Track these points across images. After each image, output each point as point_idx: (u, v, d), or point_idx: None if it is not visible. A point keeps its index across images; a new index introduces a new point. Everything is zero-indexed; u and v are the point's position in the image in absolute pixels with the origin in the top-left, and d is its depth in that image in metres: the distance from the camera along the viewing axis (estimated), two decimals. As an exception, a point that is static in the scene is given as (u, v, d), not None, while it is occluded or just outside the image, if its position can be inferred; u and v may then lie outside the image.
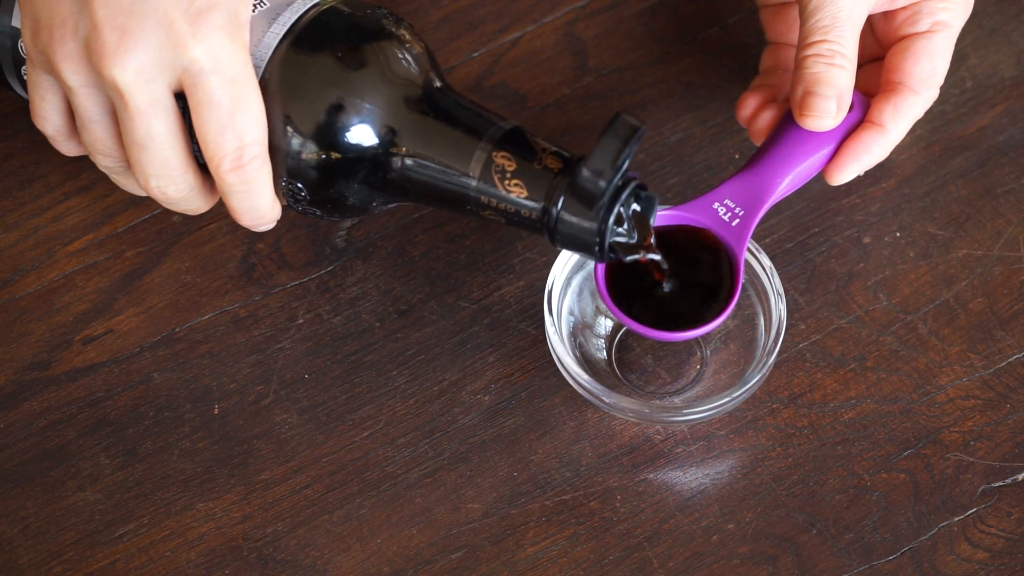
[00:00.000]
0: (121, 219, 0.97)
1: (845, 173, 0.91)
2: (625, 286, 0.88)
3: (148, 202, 0.97)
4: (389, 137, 0.83)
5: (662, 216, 0.89)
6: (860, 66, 0.94)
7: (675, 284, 0.88)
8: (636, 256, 0.84)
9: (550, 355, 0.92)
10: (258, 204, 0.85)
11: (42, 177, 0.98)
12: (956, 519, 0.89)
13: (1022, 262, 0.95)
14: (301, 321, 0.94)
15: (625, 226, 0.83)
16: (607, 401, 0.88)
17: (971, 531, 0.89)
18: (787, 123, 0.91)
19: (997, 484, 0.90)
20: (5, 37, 0.88)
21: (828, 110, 0.89)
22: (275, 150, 0.84)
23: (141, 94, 0.80)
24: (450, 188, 0.83)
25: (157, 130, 0.81)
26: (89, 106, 0.82)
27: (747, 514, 0.90)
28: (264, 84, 0.83)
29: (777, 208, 0.96)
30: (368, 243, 0.96)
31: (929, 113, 0.98)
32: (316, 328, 0.94)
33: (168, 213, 0.97)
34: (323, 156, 0.83)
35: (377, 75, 0.83)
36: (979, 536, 0.89)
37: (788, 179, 0.89)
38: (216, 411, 0.92)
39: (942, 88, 0.94)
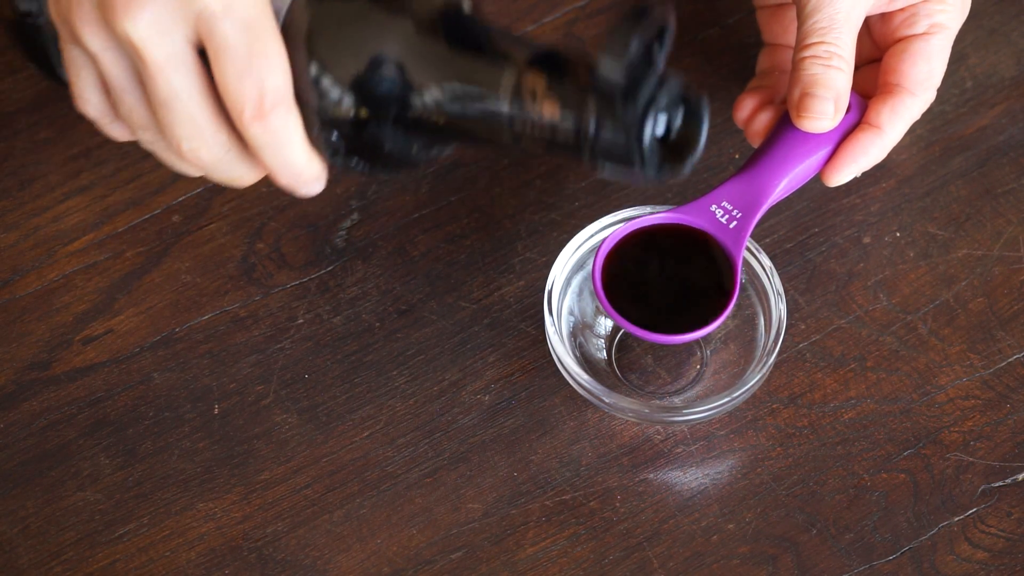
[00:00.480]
0: (121, 219, 0.97)
1: (842, 174, 0.91)
2: (624, 288, 0.88)
3: (148, 202, 0.97)
4: (419, 71, 0.79)
5: (658, 218, 0.89)
6: (858, 68, 0.94)
7: (673, 286, 0.88)
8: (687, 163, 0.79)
9: (550, 355, 0.92)
10: (291, 158, 0.80)
11: (42, 177, 0.98)
12: (956, 519, 0.89)
13: (1022, 262, 0.95)
14: (301, 321, 0.94)
15: (672, 131, 0.78)
16: (607, 401, 0.88)
17: (971, 531, 0.89)
18: (784, 125, 0.91)
19: (997, 484, 0.90)
20: (52, 27, 0.86)
21: (825, 112, 0.89)
22: (303, 99, 0.80)
23: (157, 47, 0.77)
24: (483, 117, 0.79)
25: (179, 84, 0.78)
26: (115, 72, 0.80)
27: (747, 514, 0.90)
28: (286, 29, 0.80)
29: (777, 208, 0.96)
30: (368, 243, 0.96)
31: (929, 113, 0.98)
32: (316, 328, 0.94)
33: (168, 213, 0.97)
34: (353, 98, 0.80)
35: (402, 8, 0.80)
36: (979, 536, 0.89)
37: (785, 181, 0.89)
38: (216, 411, 0.92)
39: (942, 88, 0.94)
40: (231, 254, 0.96)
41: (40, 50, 0.88)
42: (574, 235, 0.91)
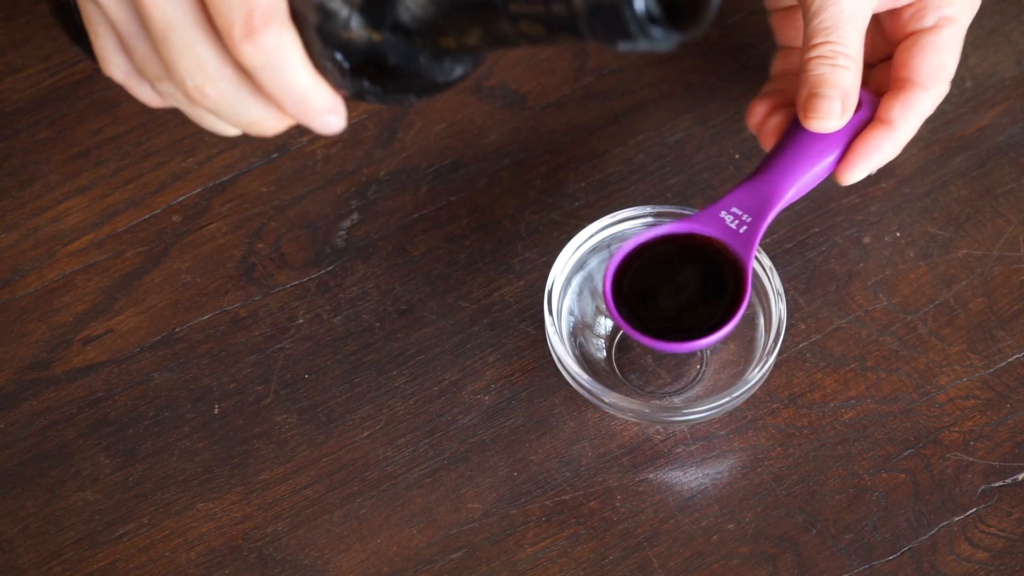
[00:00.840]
0: (121, 219, 0.97)
1: (855, 173, 0.90)
2: (632, 298, 0.87)
3: (148, 202, 0.97)
4: None
5: (668, 228, 0.88)
6: (871, 66, 0.94)
7: (682, 294, 0.88)
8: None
9: (550, 355, 0.92)
10: (292, 81, 0.75)
11: (42, 177, 0.98)
12: (956, 519, 0.89)
13: (1022, 262, 0.95)
14: (301, 321, 0.94)
15: None
16: (607, 401, 0.88)
17: (971, 531, 0.89)
18: (795, 127, 0.90)
19: (997, 484, 0.90)
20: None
21: (832, 111, 0.88)
22: (301, 20, 0.76)
23: None
24: (478, 4, 0.74)
25: (172, 12, 0.75)
26: (120, 17, 0.78)
27: (747, 514, 0.90)
28: None
29: (777, 208, 0.96)
30: (368, 243, 0.96)
31: (929, 113, 0.98)
32: (316, 328, 0.94)
33: (168, 213, 0.97)
34: (348, 8, 0.75)
35: None
36: (979, 536, 0.89)
37: (796, 184, 0.89)
38: (216, 411, 0.92)
39: (942, 88, 0.94)
40: (231, 254, 0.96)
41: (83, 32, 0.88)
42: (574, 235, 0.91)
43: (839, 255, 0.95)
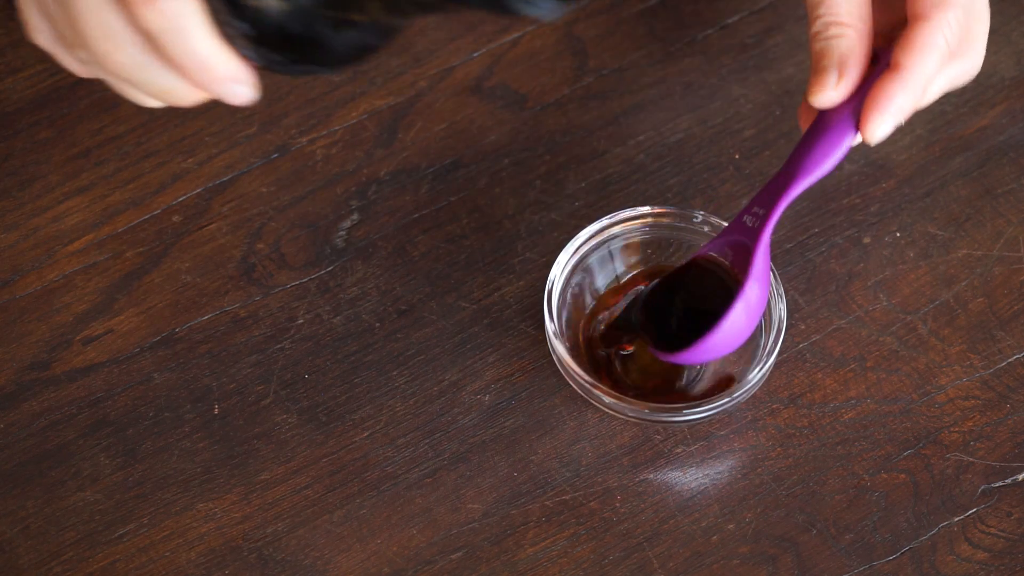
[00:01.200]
0: (121, 219, 0.97)
1: (875, 127, 0.84)
2: (645, 317, 0.88)
3: (148, 202, 0.97)
4: None
5: (705, 248, 0.87)
6: (895, 30, 0.89)
7: (684, 313, 0.88)
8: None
9: (550, 355, 0.92)
10: (195, 47, 0.74)
11: (42, 177, 0.98)
12: (956, 519, 0.89)
13: (1022, 262, 0.95)
14: (301, 321, 0.94)
15: None
16: (607, 401, 0.88)
17: (971, 531, 0.89)
18: (813, 125, 0.87)
19: (997, 484, 0.90)
20: None
21: (827, 82, 0.83)
22: None
23: None
24: None
25: None
26: None
27: (747, 514, 0.90)
28: None
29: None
30: (368, 243, 0.96)
31: (929, 113, 0.98)
32: (316, 328, 0.94)
33: (168, 213, 0.97)
34: None
35: None
36: (979, 536, 0.89)
37: (807, 164, 0.85)
38: (216, 411, 0.92)
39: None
40: (231, 254, 0.96)
41: None
42: (574, 235, 0.91)
43: (839, 255, 0.95)
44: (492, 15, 0.73)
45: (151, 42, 0.75)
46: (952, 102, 0.99)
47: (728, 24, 1.02)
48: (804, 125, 0.87)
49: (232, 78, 0.75)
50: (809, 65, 0.87)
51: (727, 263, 0.87)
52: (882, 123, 0.83)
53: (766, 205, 0.85)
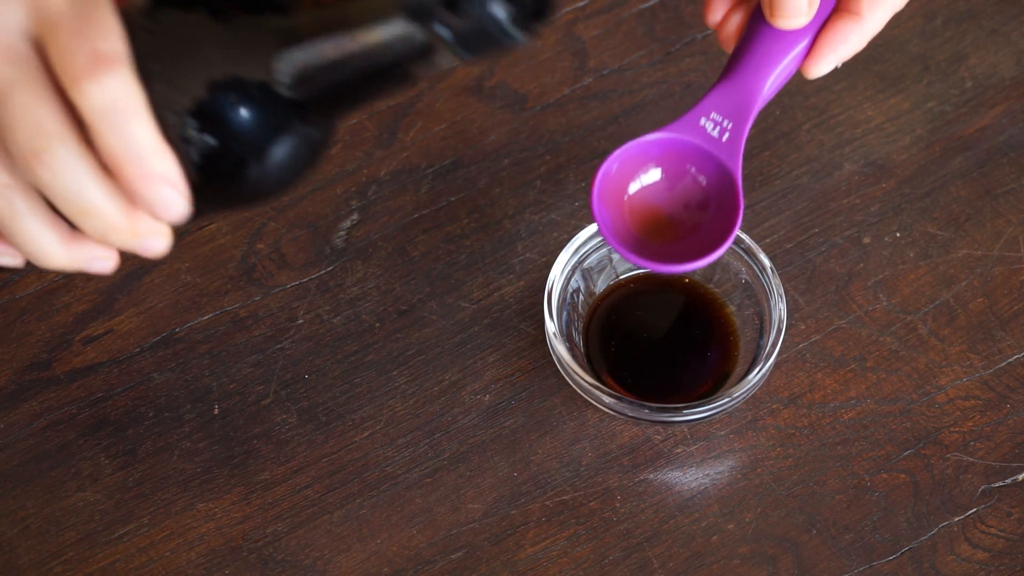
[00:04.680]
0: (121, 219, 0.97)
1: (821, 65, 0.86)
2: (629, 230, 0.85)
3: (148, 202, 0.97)
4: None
5: (648, 142, 0.85)
6: None
7: (675, 223, 0.85)
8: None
9: (550, 355, 0.92)
10: (136, 135, 0.68)
11: (42, 177, 0.98)
12: (956, 519, 0.89)
13: (1022, 262, 0.95)
14: (301, 321, 0.94)
15: None
16: (607, 401, 0.88)
17: (971, 531, 0.89)
18: (758, 23, 0.85)
19: (997, 484, 0.90)
20: None
21: (799, 7, 0.83)
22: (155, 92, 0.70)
23: None
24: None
25: (7, 75, 0.68)
26: None
27: (747, 514, 0.90)
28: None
29: (777, 208, 0.96)
30: (368, 243, 0.96)
31: (929, 113, 0.98)
32: (316, 328, 0.94)
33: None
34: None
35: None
36: (979, 536, 0.89)
37: (771, 81, 0.85)
38: (216, 411, 0.92)
39: (942, 88, 0.94)
40: (231, 254, 0.96)
41: None
42: (574, 235, 0.91)
43: (839, 255, 0.95)
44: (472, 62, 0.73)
45: (88, 129, 0.69)
46: (952, 102, 0.99)
47: (728, 24, 1.01)
48: (717, 24, 0.86)
49: (165, 179, 0.69)
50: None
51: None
52: (829, 63, 0.85)
53: (731, 116, 0.84)
